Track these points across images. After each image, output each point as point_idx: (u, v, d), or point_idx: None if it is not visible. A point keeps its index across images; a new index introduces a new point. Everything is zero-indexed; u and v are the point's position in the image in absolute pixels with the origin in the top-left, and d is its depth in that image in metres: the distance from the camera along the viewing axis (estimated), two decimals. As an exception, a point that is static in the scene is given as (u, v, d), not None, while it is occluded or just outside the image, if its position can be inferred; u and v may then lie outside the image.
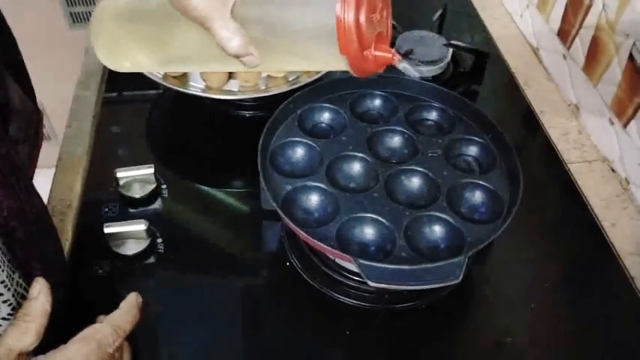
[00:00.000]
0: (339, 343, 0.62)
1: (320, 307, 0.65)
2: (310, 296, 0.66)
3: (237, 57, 0.47)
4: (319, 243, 0.57)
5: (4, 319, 0.47)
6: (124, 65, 0.59)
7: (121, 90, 0.92)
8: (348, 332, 0.63)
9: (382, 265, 0.55)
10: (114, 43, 0.57)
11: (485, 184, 0.65)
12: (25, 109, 0.64)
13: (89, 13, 1.62)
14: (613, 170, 0.82)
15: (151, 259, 0.69)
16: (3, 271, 0.45)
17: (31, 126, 0.65)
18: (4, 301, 0.46)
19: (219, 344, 0.62)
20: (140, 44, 0.56)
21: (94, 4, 1.63)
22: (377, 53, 0.46)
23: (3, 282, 0.46)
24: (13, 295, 0.47)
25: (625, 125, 0.78)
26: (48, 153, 0.79)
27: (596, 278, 0.70)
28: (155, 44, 0.56)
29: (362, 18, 0.43)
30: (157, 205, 0.75)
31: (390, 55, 0.47)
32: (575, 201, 0.78)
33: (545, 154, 0.85)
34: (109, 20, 0.56)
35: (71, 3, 1.63)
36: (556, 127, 0.88)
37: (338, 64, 0.46)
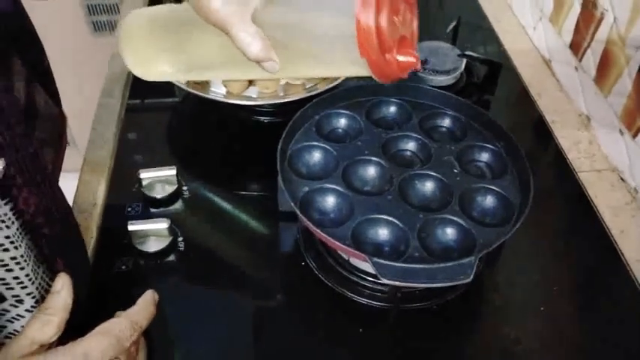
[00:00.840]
0: (352, 340, 0.64)
1: (334, 306, 0.67)
2: (325, 295, 0.68)
3: (257, 62, 0.48)
4: (335, 242, 0.59)
5: (27, 311, 0.49)
6: (151, 73, 0.60)
7: (144, 97, 0.96)
8: (361, 330, 0.65)
9: (396, 264, 0.57)
10: (141, 52, 0.59)
11: (497, 189, 0.67)
12: (51, 113, 0.67)
13: (111, 21, 1.67)
14: (622, 180, 0.83)
15: (172, 257, 0.72)
16: (28, 265, 0.47)
17: (55, 130, 0.68)
18: (28, 294, 0.48)
19: (235, 341, 0.64)
20: (166, 52, 0.58)
21: (116, 12, 1.68)
22: (400, 58, 0.46)
23: (28, 275, 0.48)
24: (37, 289, 0.49)
25: (634, 136, 0.79)
26: (68, 158, 0.81)
27: (605, 284, 0.71)
28: (180, 52, 0.57)
29: (382, 20, 0.42)
30: (178, 205, 0.77)
31: (414, 60, 0.46)
32: (585, 209, 0.80)
33: (556, 163, 0.87)
34: (137, 29, 0.59)
35: (93, 12, 1.68)
36: (567, 136, 0.90)
37: (359, 69, 0.46)
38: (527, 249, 0.74)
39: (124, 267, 0.70)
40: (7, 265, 0.46)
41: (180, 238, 0.73)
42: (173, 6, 0.55)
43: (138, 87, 0.96)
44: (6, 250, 0.46)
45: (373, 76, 0.46)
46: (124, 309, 0.51)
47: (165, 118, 0.93)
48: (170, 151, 0.86)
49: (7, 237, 0.45)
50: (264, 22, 0.47)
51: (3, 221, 0.45)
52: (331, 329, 0.65)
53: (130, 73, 0.93)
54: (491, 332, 0.66)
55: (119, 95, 0.95)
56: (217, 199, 0.80)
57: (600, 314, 0.68)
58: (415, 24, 0.49)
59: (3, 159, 0.44)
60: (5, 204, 0.45)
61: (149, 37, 0.58)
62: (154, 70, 0.60)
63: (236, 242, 0.75)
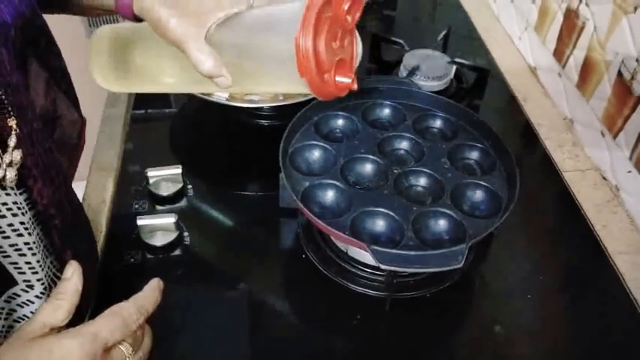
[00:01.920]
0: (350, 326, 0.68)
1: (333, 295, 0.71)
2: (324, 285, 0.71)
3: (210, 77, 0.53)
4: (336, 231, 0.63)
5: (36, 297, 0.52)
6: (115, 85, 0.64)
7: (149, 102, 1.00)
8: (358, 317, 0.68)
9: (392, 251, 0.61)
10: (106, 66, 0.63)
11: (486, 184, 0.72)
12: (70, 115, 0.70)
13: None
14: (604, 178, 0.88)
15: (178, 251, 0.75)
16: (39, 252, 0.51)
17: (75, 131, 0.71)
18: (38, 280, 0.52)
19: (238, 329, 0.68)
20: (131, 68, 0.62)
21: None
22: (338, 78, 0.50)
23: (38, 262, 0.51)
24: (46, 276, 0.52)
25: (615, 136, 0.84)
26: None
27: (589, 274, 0.76)
28: (141, 66, 0.62)
29: (320, 44, 0.47)
30: (183, 203, 0.81)
31: (349, 81, 0.51)
32: (569, 206, 0.84)
33: (542, 163, 0.92)
34: (103, 44, 0.63)
35: (94, 24, 1.72)
36: (552, 139, 0.95)
37: (301, 87, 0.50)
38: (515, 243, 0.78)
39: (132, 260, 0.73)
40: (20, 249, 0.49)
41: (186, 233, 0.76)
42: (137, 24, 0.59)
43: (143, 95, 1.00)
44: (20, 235, 0.49)
45: (313, 94, 0.50)
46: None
47: (171, 119, 0.97)
48: (174, 152, 0.90)
49: (22, 223, 0.49)
50: (217, 42, 0.52)
51: (19, 208, 0.49)
52: (331, 316, 0.69)
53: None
54: (481, 319, 0.70)
55: (125, 99, 0.98)
56: (220, 197, 0.84)
57: (584, 301, 0.72)
58: (355, 48, 0.54)
59: (20, 150, 0.48)
60: (21, 193, 0.49)
61: (113, 52, 0.63)
62: (119, 84, 0.65)
63: (238, 237, 0.79)
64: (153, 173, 0.80)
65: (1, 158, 0.46)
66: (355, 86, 0.52)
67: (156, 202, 0.80)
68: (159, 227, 0.74)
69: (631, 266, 0.75)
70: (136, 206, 0.80)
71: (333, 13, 0.49)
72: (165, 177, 0.80)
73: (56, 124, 0.66)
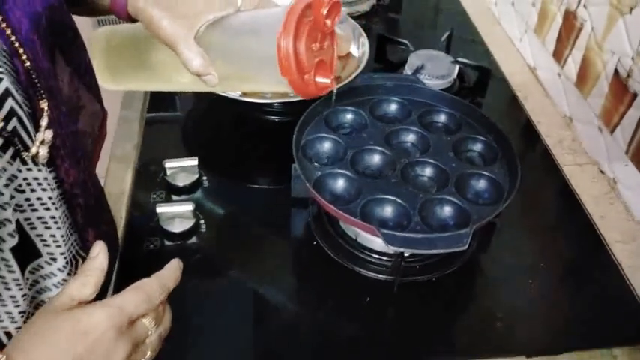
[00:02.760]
0: (360, 308, 0.71)
1: (343, 279, 0.74)
2: (335, 270, 0.75)
3: (198, 75, 0.56)
4: (347, 216, 0.67)
5: (59, 270, 0.56)
6: (112, 83, 0.68)
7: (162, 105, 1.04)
8: (368, 299, 0.72)
9: (401, 234, 0.65)
10: (106, 66, 0.67)
11: (488, 174, 0.75)
12: (92, 107, 0.74)
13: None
14: (602, 172, 0.92)
15: (194, 238, 0.79)
16: (64, 227, 0.54)
17: (97, 123, 0.75)
18: (61, 254, 0.55)
19: (252, 312, 0.71)
20: (127, 67, 0.66)
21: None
22: (318, 79, 0.53)
23: (62, 236, 0.54)
24: (68, 250, 0.56)
25: (612, 132, 0.88)
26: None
27: (587, 261, 0.79)
28: (135, 65, 0.65)
29: (300, 46, 0.51)
30: (199, 194, 0.85)
31: (328, 81, 0.54)
32: (568, 199, 0.88)
33: (542, 159, 0.95)
34: (101, 43, 0.67)
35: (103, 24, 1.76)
36: (552, 135, 0.99)
37: (282, 86, 0.53)
38: (516, 233, 0.82)
39: (152, 246, 0.77)
40: (46, 222, 0.53)
41: (202, 222, 0.80)
42: (133, 25, 0.62)
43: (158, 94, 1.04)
44: (47, 209, 0.52)
45: (294, 93, 0.54)
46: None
47: (184, 117, 1.01)
48: (188, 147, 0.94)
49: (50, 198, 0.52)
50: (206, 42, 0.56)
51: (48, 184, 0.52)
52: (342, 298, 0.72)
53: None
54: (484, 301, 0.74)
55: (140, 97, 1.02)
56: (233, 189, 0.88)
57: (583, 287, 0.76)
58: (335, 51, 0.57)
59: (51, 130, 0.51)
60: (50, 171, 0.52)
61: (110, 52, 0.66)
62: (114, 81, 0.68)
63: (252, 226, 0.82)
64: (170, 165, 0.83)
65: (35, 137, 0.50)
66: (334, 86, 0.55)
67: (173, 192, 0.84)
68: (177, 215, 0.78)
69: (627, 254, 0.79)
70: (154, 196, 0.83)
71: (313, 18, 0.52)
72: (182, 168, 0.84)
73: (80, 114, 0.70)
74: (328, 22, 0.53)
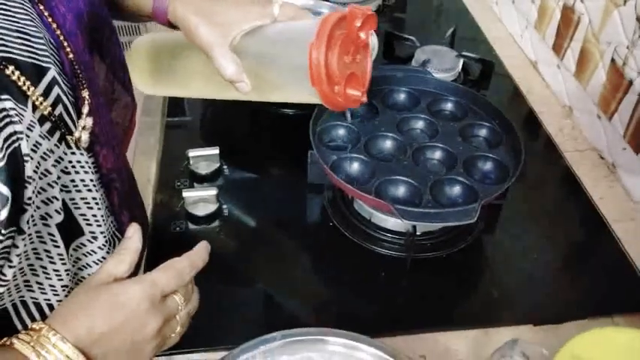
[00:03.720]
0: (375, 281, 0.76)
1: (360, 256, 0.79)
2: (351, 248, 0.79)
3: (231, 82, 0.58)
4: (363, 194, 0.72)
5: (99, 248, 0.60)
6: (150, 88, 0.71)
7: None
8: (383, 274, 0.77)
9: (415, 209, 0.69)
10: (148, 73, 0.70)
11: (494, 156, 0.80)
12: (124, 99, 0.79)
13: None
14: (601, 157, 0.96)
15: (217, 222, 0.84)
16: (103, 208, 0.59)
17: (127, 113, 0.80)
18: (101, 232, 0.59)
19: (275, 288, 0.76)
20: (166, 73, 0.69)
21: (138, 34, 1.82)
22: (349, 91, 0.53)
23: (102, 216, 0.59)
24: (107, 229, 0.60)
25: (610, 118, 0.93)
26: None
27: (589, 239, 0.84)
28: (171, 71, 0.69)
29: (332, 57, 0.51)
30: (220, 181, 0.90)
31: (359, 94, 0.54)
32: (570, 182, 0.92)
33: (545, 146, 1.00)
34: (140, 50, 0.70)
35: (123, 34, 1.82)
36: (553, 124, 1.03)
37: (312, 97, 0.53)
38: (521, 215, 0.87)
39: (178, 229, 0.82)
40: (89, 203, 0.57)
41: (225, 206, 0.85)
42: (172, 34, 0.65)
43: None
44: (89, 190, 0.57)
45: (324, 104, 0.54)
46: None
47: (202, 111, 1.06)
48: (207, 140, 0.99)
49: (92, 180, 0.57)
50: (240, 50, 0.58)
51: (90, 167, 0.57)
52: (359, 273, 0.77)
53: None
54: (492, 276, 0.79)
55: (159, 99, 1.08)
56: (252, 177, 0.93)
57: (586, 261, 0.81)
58: (368, 64, 0.57)
59: (91, 117, 0.56)
60: (90, 156, 0.57)
61: (150, 59, 0.70)
62: (152, 87, 0.72)
63: (271, 211, 0.87)
64: (193, 154, 0.88)
65: (77, 122, 0.54)
66: (365, 99, 0.55)
67: (196, 180, 0.89)
68: (201, 199, 0.83)
69: (626, 232, 0.84)
70: (178, 184, 0.88)
71: (347, 30, 0.53)
72: (204, 157, 0.89)
73: (113, 105, 0.75)
74: (362, 34, 0.53)
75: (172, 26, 0.64)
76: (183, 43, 0.61)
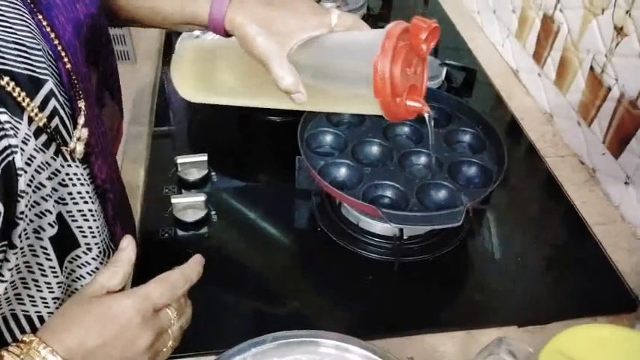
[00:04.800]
0: (363, 285, 0.77)
1: (348, 261, 0.80)
2: (338, 253, 0.80)
3: (287, 93, 0.57)
4: (351, 198, 0.73)
5: (93, 259, 0.60)
6: (195, 96, 0.70)
7: (171, 102, 1.09)
8: (370, 277, 0.78)
9: (401, 213, 0.71)
10: (191, 78, 0.69)
11: (478, 161, 0.82)
12: (111, 107, 0.79)
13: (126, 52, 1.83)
14: (582, 162, 0.99)
15: (206, 228, 0.84)
16: (99, 219, 0.59)
17: (114, 122, 0.80)
18: (96, 244, 0.60)
19: (262, 294, 0.77)
20: (212, 80, 0.68)
21: (124, 44, 1.83)
22: (409, 102, 0.53)
23: (98, 228, 0.59)
24: (102, 241, 0.61)
25: (589, 124, 0.95)
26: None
27: (571, 242, 0.86)
28: (224, 80, 0.68)
29: (396, 69, 0.51)
30: (208, 188, 0.90)
31: (420, 106, 0.54)
32: (552, 187, 0.94)
33: (527, 152, 1.02)
34: (184, 56, 0.69)
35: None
36: (534, 130, 1.06)
37: (372, 108, 0.53)
38: (505, 219, 0.88)
39: (166, 234, 0.82)
40: (85, 215, 0.58)
41: (213, 212, 0.85)
42: (220, 40, 0.64)
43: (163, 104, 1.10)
44: (86, 202, 0.57)
45: (384, 115, 0.55)
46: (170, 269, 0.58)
47: (191, 118, 1.06)
48: (195, 147, 1.00)
49: (87, 192, 0.57)
50: (297, 60, 0.56)
51: (85, 179, 0.57)
52: (346, 277, 0.78)
53: (157, 78, 1.08)
54: (477, 278, 0.80)
55: (148, 98, 1.08)
56: (241, 183, 0.93)
57: (568, 263, 0.82)
58: (426, 76, 0.57)
59: (88, 128, 0.56)
60: (85, 168, 0.57)
61: (197, 64, 0.69)
62: (197, 93, 0.70)
63: (259, 217, 0.88)
64: (182, 160, 0.89)
65: (73, 133, 0.54)
66: (427, 109, 0.55)
67: (184, 186, 0.89)
68: (190, 205, 0.83)
69: (607, 234, 0.86)
70: (166, 190, 0.89)
71: (410, 42, 0.52)
72: (192, 163, 0.89)
73: (102, 113, 0.75)
74: (424, 47, 0.53)
75: (227, 35, 0.62)
76: (234, 51, 0.60)
